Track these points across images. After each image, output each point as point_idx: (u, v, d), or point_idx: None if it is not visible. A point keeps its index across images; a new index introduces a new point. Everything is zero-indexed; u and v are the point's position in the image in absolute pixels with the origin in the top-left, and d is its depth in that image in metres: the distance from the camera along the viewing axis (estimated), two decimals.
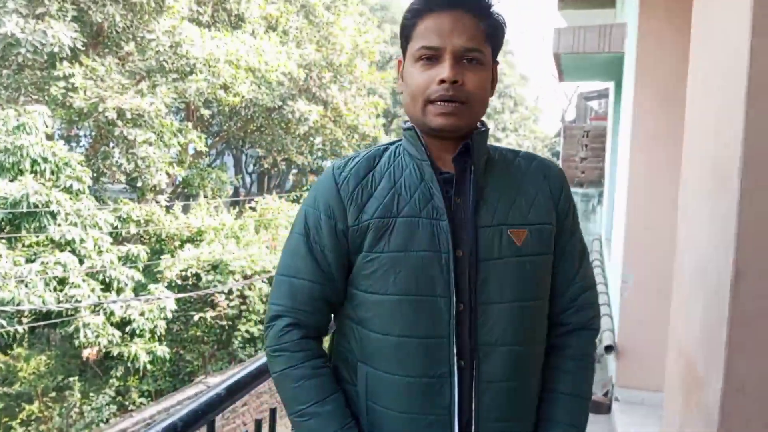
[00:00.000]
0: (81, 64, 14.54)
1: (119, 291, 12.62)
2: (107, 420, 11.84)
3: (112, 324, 12.16)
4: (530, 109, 36.12)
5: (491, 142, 1.29)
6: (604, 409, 4.08)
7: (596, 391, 4.24)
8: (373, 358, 1.20)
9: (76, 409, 12.18)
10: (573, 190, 9.28)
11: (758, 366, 1.29)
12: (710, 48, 1.69)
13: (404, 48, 1.23)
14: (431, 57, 1.16)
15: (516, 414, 1.22)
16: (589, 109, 14.79)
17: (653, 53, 3.75)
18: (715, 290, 1.41)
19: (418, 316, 1.16)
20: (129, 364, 12.41)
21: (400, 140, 1.28)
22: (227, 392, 1.38)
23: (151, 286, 13.40)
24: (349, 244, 1.20)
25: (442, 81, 1.14)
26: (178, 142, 16.33)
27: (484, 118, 1.26)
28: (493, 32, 1.19)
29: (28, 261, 11.54)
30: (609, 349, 4.06)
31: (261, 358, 1.59)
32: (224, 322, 14.25)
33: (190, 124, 17.74)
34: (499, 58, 1.27)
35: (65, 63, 14.14)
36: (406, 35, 1.22)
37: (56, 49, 13.55)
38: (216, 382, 1.46)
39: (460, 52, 1.15)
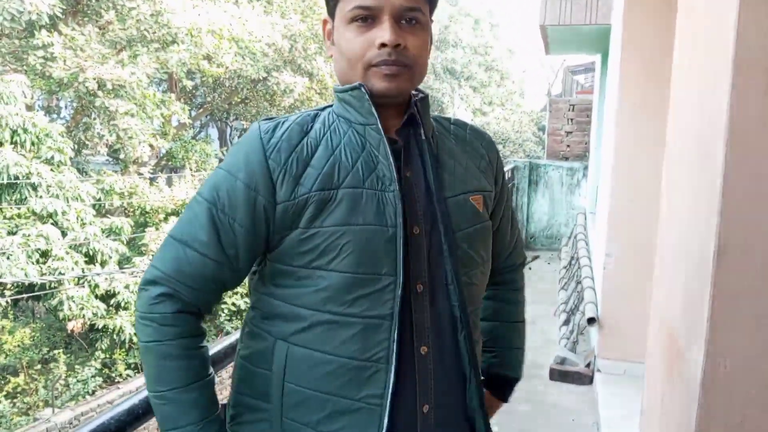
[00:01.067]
0: (60, 33, 14.23)
1: (103, 264, 12.54)
2: (93, 392, 11.87)
3: (96, 297, 12.11)
4: (516, 82, 35.99)
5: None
6: (587, 380, 4.13)
7: (579, 362, 4.29)
8: (301, 337, 1.06)
9: (62, 382, 12.18)
10: (558, 163, 9.31)
11: (740, 340, 1.30)
12: (696, 20, 1.67)
13: (332, 7, 1.11)
14: (366, 17, 1.04)
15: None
16: (576, 83, 14.76)
17: (640, 25, 3.72)
18: (697, 265, 1.42)
19: (360, 294, 1.03)
20: (115, 337, 12.40)
21: (330, 105, 1.15)
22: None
23: (136, 259, 13.33)
24: (272, 221, 1.04)
25: (383, 45, 1.03)
26: (161, 114, 16.11)
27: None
28: None
29: (10, 233, 11.42)
30: (591, 321, 4.10)
31: (238, 332, 1.59)
32: None
33: (173, 96, 17.50)
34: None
35: (44, 32, 13.83)
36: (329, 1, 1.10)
37: (34, 17, 13.22)
38: None
39: (399, 12, 1.04)
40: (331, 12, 1.12)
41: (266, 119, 1.11)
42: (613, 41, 4.41)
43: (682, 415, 1.47)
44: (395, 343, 1.03)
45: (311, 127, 1.10)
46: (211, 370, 1.11)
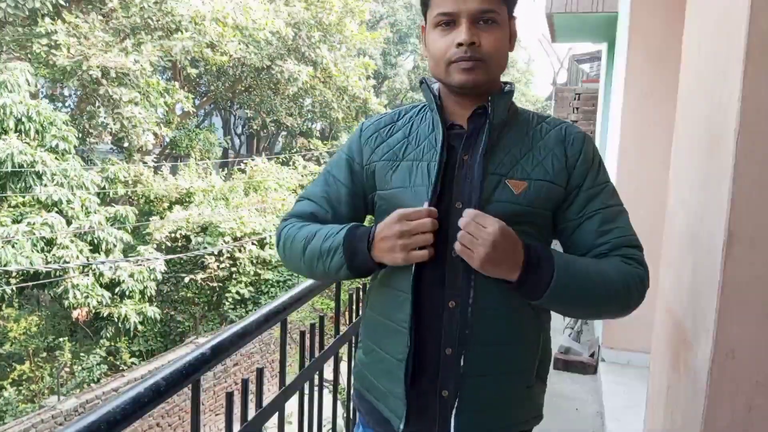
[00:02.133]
0: (64, 20, 14.20)
1: (108, 252, 12.58)
2: (98, 380, 11.94)
3: (101, 285, 12.16)
4: (522, 71, 35.86)
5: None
6: (591, 369, 4.13)
7: (583, 351, 4.29)
8: (377, 276, 1.36)
9: (67, 369, 12.26)
10: None
11: (748, 331, 1.28)
12: (706, 7, 1.65)
13: (424, 14, 1.31)
14: (448, 22, 1.23)
15: (508, 339, 1.25)
16: (581, 72, 14.67)
17: (647, 12, 3.68)
18: (706, 254, 1.40)
19: None
20: (119, 325, 12.46)
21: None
22: (212, 352, 1.37)
23: (141, 248, 13.37)
24: (364, 180, 1.37)
25: (460, 44, 1.21)
26: (165, 102, 16.10)
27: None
28: None
29: (15, 222, 11.45)
30: None
31: (247, 319, 1.58)
32: (215, 284, 14.29)
33: (176, 84, 17.47)
34: None
35: (47, 19, 13.80)
36: (424, 2, 1.29)
37: (38, 5, 13.21)
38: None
39: (474, 15, 1.21)
40: (425, 19, 1.32)
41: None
42: (620, 29, 4.38)
43: (689, 405, 1.46)
44: (413, 282, 1.24)
45: (403, 116, 1.39)
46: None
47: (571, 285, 1.18)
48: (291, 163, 20.70)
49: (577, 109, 9.55)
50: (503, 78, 1.36)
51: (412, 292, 1.24)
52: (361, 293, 2.43)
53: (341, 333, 2.22)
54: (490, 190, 1.23)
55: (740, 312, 1.28)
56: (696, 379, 1.41)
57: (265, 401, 1.61)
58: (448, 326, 1.24)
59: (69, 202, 12.13)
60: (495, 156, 1.25)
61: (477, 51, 1.21)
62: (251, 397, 1.59)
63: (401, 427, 1.27)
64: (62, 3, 14.08)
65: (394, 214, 1.19)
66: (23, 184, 11.84)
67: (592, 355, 4.24)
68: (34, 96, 13.91)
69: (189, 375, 1.29)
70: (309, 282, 1.98)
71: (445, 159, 1.26)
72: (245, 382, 1.54)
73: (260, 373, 1.61)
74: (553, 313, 1.35)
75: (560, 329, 4.64)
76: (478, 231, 1.14)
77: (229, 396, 1.46)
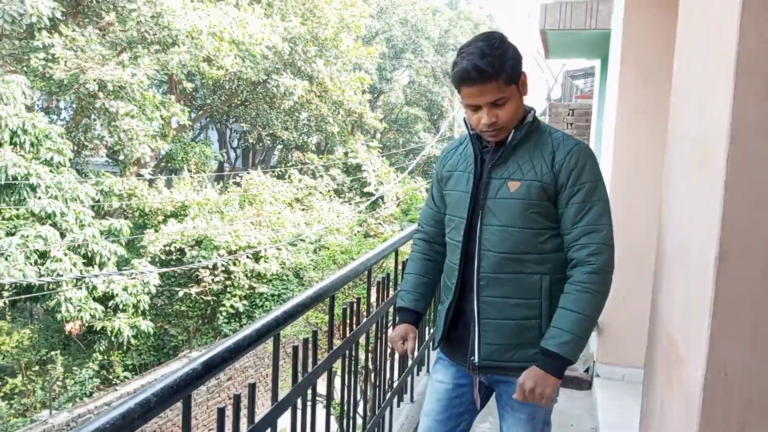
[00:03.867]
0: (60, 34, 14.24)
1: (102, 265, 12.52)
2: (90, 394, 11.84)
3: (94, 298, 12.08)
4: None
5: None
6: (586, 385, 4.12)
7: (577, 367, 4.28)
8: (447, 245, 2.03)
9: (59, 383, 12.15)
10: None
11: (741, 350, 1.28)
12: (697, 24, 1.67)
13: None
14: (475, 108, 1.80)
15: (507, 293, 1.83)
16: (575, 88, 14.76)
17: (639, 29, 3.71)
18: (697, 271, 1.41)
19: (453, 227, 1.94)
20: (113, 339, 12.37)
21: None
22: (203, 368, 1.36)
23: (135, 261, 13.31)
24: (442, 184, 2.02)
25: (484, 123, 1.78)
26: (161, 116, 16.11)
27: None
28: (509, 78, 1.76)
29: (8, 234, 11.39)
30: None
31: (239, 334, 1.57)
32: (209, 298, 14.23)
33: (173, 97, 17.51)
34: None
35: (44, 33, 13.83)
36: (457, 89, 1.82)
37: (35, 19, 13.23)
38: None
39: (490, 104, 1.77)
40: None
41: None
42: (613, 46, 4.41)
43: (682, 422, 1.46)
44: (462, 255, 1.90)
45: (462, 142, 2.02)
46: (426, 272, 2.11)
47: (581, 345, 1.76)
48: (287, 176, 20.71)
49: (571, 124, 9.60)
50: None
51: (459, 264, 1.91)
52: (355, 306, 2.42)
53: (334, 347, 2.22)
54: (495, 189, 1.83)
55: (732, 330, 1.28)
56: (689, 397, 1.40)
57: (258, 417, 1.60)
58: (472, 284, 1.87)
59: (63, 214, 12.09)
60: (505, 165, 1.84)
61: (497, 125, 1.79)
62: (244, 412, 1.58)
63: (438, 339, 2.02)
64: (59, 17, 14.12)
65: (395, 338, 2.05)
66: (17, 197, 11.79)
67: (587, 371, 4.23)
68: (29, 109, 13.90)
69: (180, 390, 1.29)
70: (301, 297, 1.98)
71: (479, 171, 1.89)
72: (237, 398, 1.53)
73: (252, 388, 1.60)
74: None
75: None
76: (540, 397, 1.75)
77: (221, 412, 1.45)
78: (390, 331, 2.14)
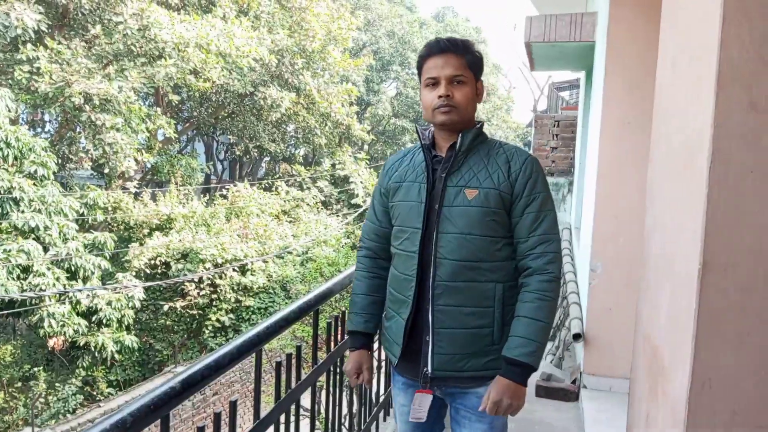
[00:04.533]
0: (46, 47, 14.15)
1: (85, 280, 12.37)
2: (74, 410, 11.65)
3: (78, 313, 11.93)
4: (503, 98, 36.24)
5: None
6: (573, 396, 4.10)
7: (564, 378, 4.27)
8: (393, 261, 2.01)
9: (42, 400, 11.95)
10: None
11: (725, 360, 1.27)
12: (679, 35, 1.67)
13: (420, 77, 1.91)
14: (434, 83, 1.86)
15: (462, 302, 1.83)
16: (561, 100, 14.88)
17: (623, 41, 3.74)
18: (681, 281, 1.40)
19: (405, 237, 1.91)
20: (96, 354, 12.21)
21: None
22: (182, 386, 1.33)
23: (119, 275, 13.17)
24: (386, 198, 2.00)
25: (440, 96, 1.83)
26: (147, 128, 16.02)
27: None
28: (472, 63, 1.87)
29: None
30: (577, 337, 4.08)
31: (220, 351, 1.54)
32: (194, 311, 14.09)
33: (159, 110, 17.42)
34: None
35: (29, 46, 13.74)
36: (419, 70, 1.92)
37: (20, 32, 13.14)
38: None
39: (449, 78, 1.84)
40: (420, 80, 1.92)
41: None
42: (597, 57, 4.44)
43: None
44: (419, 265, 1.87)
45: (409, 152, 2.04)
46: (374, 290, 2.05)
47: (542, 353, 1.80)
48: (274, 188, 20.64)
49: (557, 135, 9.65)
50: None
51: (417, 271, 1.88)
52: (339, 322, 2.40)
53: (319, 362, 2.19)
54: (452, 197, 1.84)
55: (716, 341, 1.28)
56: (674, 408, 1.39)
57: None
58: (428, 293, 1.86)
59: (47, 228, 11.96)
60: (459, 173, 1.87)
61: (451, 101, 1.83)
62: (226, 430, 1.54)
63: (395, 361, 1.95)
64: (44, 30, 14.04)
65: (350, 372, 1.99)
66: (0, 211, 11.65)
67: (573, 382, 4.21)
68: (14, 122, 13.78)
69: (157, 409, 1.25)
70: (285, 312, 1.95)
71: (431, 179, 1.89)
72: (218, 416, 1.50)
73: (233, 406, 1.57)
74: None
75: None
76: (509, 409, 1.76)
77: (201, 430, 1.42)
78: (348, 357, 2.02)
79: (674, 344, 1.45)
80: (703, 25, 1.36)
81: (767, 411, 1.28)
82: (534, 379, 4.16)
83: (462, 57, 1.85)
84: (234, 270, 14.33)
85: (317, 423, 2.94)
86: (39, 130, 18.52)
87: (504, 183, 1.83)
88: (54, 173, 13.24)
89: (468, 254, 1.82)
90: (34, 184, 12.32)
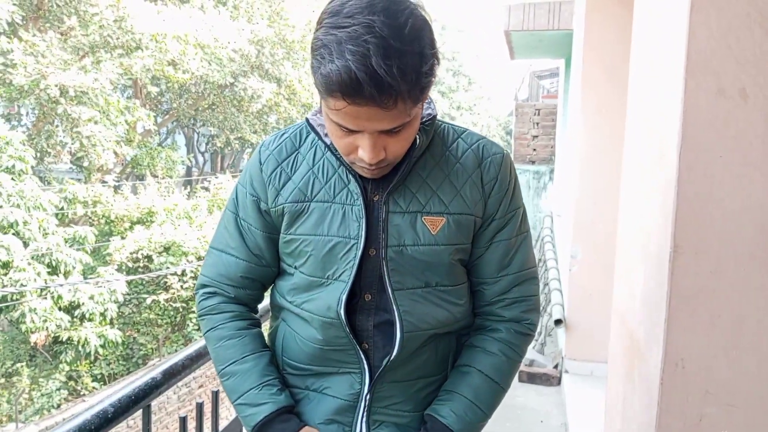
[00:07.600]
0: (20, 39, 13.92)
1: (67, 274, 12.26)
2: (58, 405, 11.58)
3: (60, 308, 11.83)
4: (484, 87, 36.34)
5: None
6: (555, 381, 4.17)
7: (547, 363, 4.33)
8: (288, 321, 1.23)
9: (26, 395, 11.87)
10: (525, 167, 9.39)
11: (697, 341, 1.31)
12: (651, 24, 1.70)
13: (321, 100, 1.02)
14: (349, 130, 1.00)
15: (410, 375, 1.20)
16: (542, 88, 14.94)
17: (600, 30, 3.78)
18: (654, 265, 1.43)
19: (320, 294, 1.15)
20: (80, 349, 12.12)
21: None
22: (163, 376, 1.34)
23: (101, 269, 13.07)
24: (274, 220, 1.18)
25: (365, 161, 1.03)
26: (126, 121, 15.86)
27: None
28: (423, 88, 0.97)
29: None
30: (558, 322, 4.13)
31: (201, 341, 1.55)
32: (178, 304, 14.03)
33: (137, 102, 17.24)
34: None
35: (3, 38, 13.51)
36: (315, 84, 0.98)
37: None
38: None
39: (381, 132, 1.00)
40: (321, 99, 1.03)
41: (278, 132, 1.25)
42: (575, 46, 4.48)
43: (643, 415, 1.48)
44: (351, 336, 1.14)
45: (304, 140, 1.19)
46: (266, 347, 1.25)
47: (483, 422, 1.20)
48: None
49: (538, 124, 9.71)
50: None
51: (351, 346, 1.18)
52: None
53: None
54: (402, 231, 1.12)
55: (688, 322, 1.31)
56: (649, 389, 1.43)
57: (223, 424, 1.58)
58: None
59: (26, 223, 11.82)
60: (405, 191, 1.13)
61: (384, 161, 1.05)
62: (208, 422, 1.56)
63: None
64: (18, 21, 13.82)
65: None
66: None
67: (555, 367, 4.28)
68: None
69: (139, 401, 1.26)
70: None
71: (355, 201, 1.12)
72: (200, 406, 1.51)
73: (215, 396, 1.58)
74: None
75: None
76: None
77: (183, 420, 1.43)
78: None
79: (648, 327, 1.48)
80: (673, 13, 1.39)
81: (738, 390, 1.32)
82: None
83: (402, 101, 0.94)
84: None
85: None
86: (15, 123, 18.25)
87: (480, 201, 1.16)
88: (32, 167, 13.08)
89: (432, 319, 1.16)
90: (12, 178, 12.16)
